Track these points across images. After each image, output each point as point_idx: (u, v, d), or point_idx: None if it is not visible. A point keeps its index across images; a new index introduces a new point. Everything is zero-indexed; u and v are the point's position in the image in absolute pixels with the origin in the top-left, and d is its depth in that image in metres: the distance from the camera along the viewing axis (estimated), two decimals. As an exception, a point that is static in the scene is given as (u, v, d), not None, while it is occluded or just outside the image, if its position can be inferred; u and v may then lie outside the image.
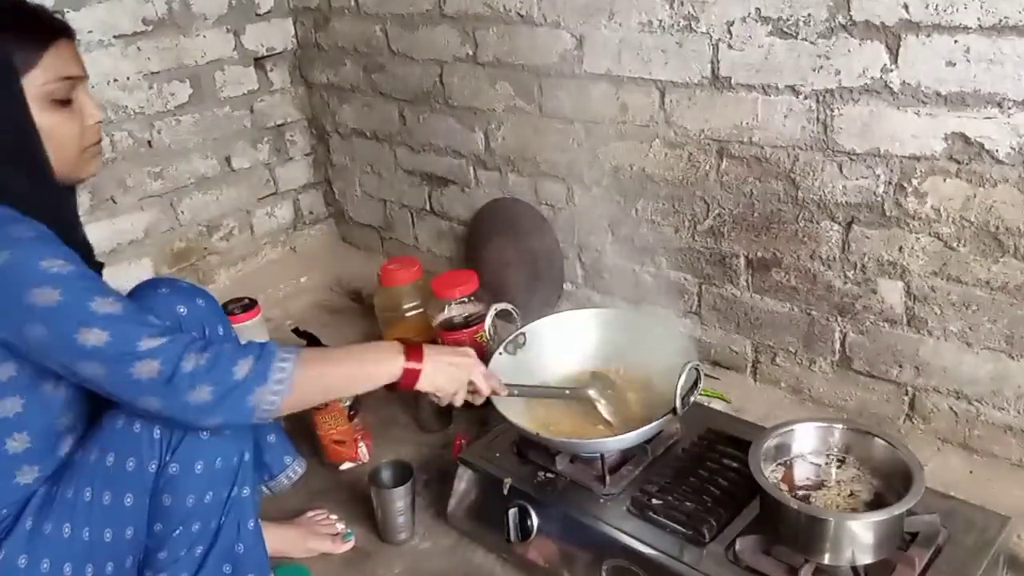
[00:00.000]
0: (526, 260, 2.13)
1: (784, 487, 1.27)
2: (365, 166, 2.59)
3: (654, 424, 1.38)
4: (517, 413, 1.47)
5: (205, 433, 1.20)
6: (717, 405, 1.74)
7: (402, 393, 1.28)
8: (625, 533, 1.36)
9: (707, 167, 1.73)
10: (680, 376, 1.33)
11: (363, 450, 1.84)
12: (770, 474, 1.28)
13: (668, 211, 1.84)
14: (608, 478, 1.45)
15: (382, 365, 1.24)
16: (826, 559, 1.18)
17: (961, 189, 1.42)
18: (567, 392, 1.54)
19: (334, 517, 1.67)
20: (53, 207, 1.17)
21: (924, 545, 1.23)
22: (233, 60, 2.46)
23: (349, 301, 2.59)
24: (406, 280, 2.10)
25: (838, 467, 1.30)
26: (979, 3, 1.29)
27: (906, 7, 1.36)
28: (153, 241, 2.40)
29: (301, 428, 1.79)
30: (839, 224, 1.59)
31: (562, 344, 1.64)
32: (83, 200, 2.14)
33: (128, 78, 2.24)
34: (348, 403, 1.80)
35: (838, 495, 1.25)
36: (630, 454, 1.50)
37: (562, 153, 1.99)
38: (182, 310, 1.35)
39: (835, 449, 1.32)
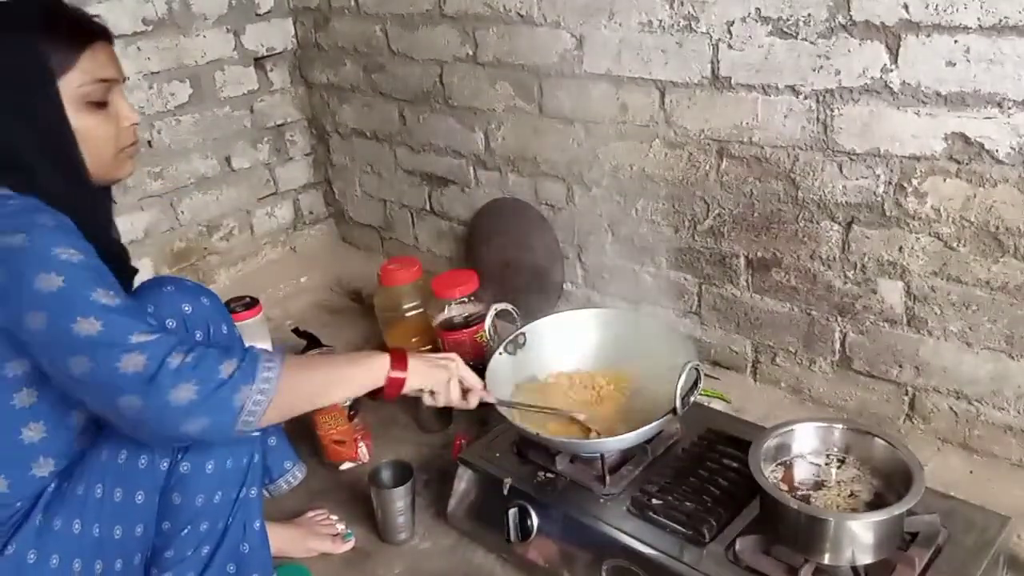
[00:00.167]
0: (526, 260, 2.13)
1: (784, 487, 1.27)
2: (365, 166, 2.59)
3: (654, 424, 1.38)
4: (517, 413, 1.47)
5: None
6: (717, 405, 1.74)
7: (389, 400, 1.26)
8: (625, 533, 1.36)
9: (707, 167, 1.73)
10: (680, 376, 1.33)
11: (363, 450, 1.84)
12: (770, 474, 1.28)
13: (668, 211, 1.84)
14: (608, 478, 1.45)
15: (368, 371, 1.23)
16: (826, 559, 1.18)
17: (961, 189, 1.42)
18: (560, 411, 1.50)
19: (334, 517, 1.67)
20: (88, 208, 1.17)
21: (924, 545, 1.23)
22: (233, 60, 2.45)
23: (349, 301, 2.58)
24: (406, 280, 2.09)
25: (838, 467, 1.30)
26: (979, 3, 1.29)
27: (906, 7, 1.36)
28: (153, 241, 2.40)
29: (301, 428, 1.79)
30: (839, 224, 1.59)
31: (562, 344, 1.64)
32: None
33: (128, 78, 2.23)
34: (348, 403, 1.80)
35: (838, 495, 1.25)
36: (630, 454, 1.50)
37: (562, 153, 1.99)
38: (187, 308, 1.35)
39: (835, 449, 1.32)
